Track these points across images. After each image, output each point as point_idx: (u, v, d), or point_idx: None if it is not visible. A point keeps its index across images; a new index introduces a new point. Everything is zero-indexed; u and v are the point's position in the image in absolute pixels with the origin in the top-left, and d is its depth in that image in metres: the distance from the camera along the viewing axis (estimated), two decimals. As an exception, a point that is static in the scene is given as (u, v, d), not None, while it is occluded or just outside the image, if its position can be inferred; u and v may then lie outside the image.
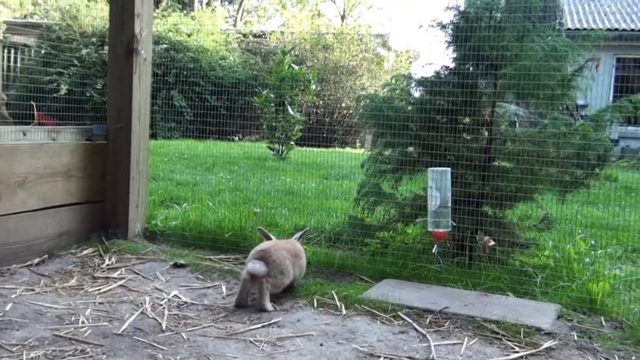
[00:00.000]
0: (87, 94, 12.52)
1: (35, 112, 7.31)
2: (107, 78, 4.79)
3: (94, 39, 13.99)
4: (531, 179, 4.10)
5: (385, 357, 2.93)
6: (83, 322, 3.17)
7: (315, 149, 9.17)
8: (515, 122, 4.76)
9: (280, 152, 10.45)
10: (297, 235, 4.14)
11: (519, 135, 4.27)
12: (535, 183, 4.12)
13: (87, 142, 4.62)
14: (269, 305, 3.50)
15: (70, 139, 4.53)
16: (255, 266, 3.48)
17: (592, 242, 4.53)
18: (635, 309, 3.58)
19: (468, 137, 4.37)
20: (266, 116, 10.87)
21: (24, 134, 4.22)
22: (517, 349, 3.08)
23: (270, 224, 5.06)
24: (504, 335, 3.22)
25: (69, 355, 2.78)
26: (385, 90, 4.75)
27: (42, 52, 12.52)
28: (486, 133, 4.37)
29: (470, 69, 4.38)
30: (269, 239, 4.03)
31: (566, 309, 3.60)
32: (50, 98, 10.00)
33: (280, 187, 6.84)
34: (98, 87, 12.72)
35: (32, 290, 3.61)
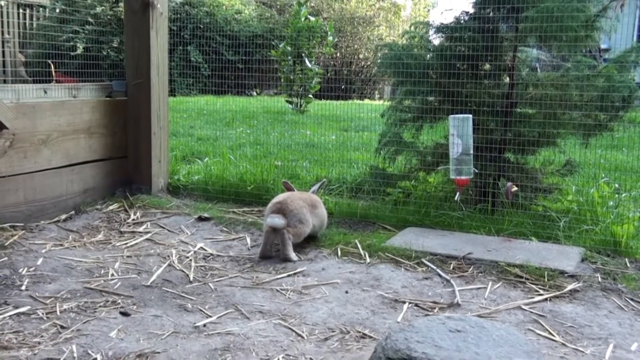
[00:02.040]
0: (104, 52, 12.49)
1: (53, 72, 7.33)
2: (123, 34, 4.77)
3: (108, -4, 13.88)
4: (554, 124, 4.05)
5: (410, 303, 2.97)
6: (112, 275, 3.23)
7: (333, 102, 9.12)
8: (537, 67, 4.70)
9: (299, 106, 10.41)
10: (315, 187, 4.15)
11: (541, 80, 4.21)
12: (557, 128, 4.08)
13: (107, 98, 4.64)
14: (292, 255, 3.55)
15: (90, 96, 4.55)
16: (274, 220, 3.54)
17: (616, 185, 4.50)
18: (660, 250, 3.58)
19: (489, 83, 4.32)
20: (284, 69, 10.79)
21: (45, 92, 4.24)
22: (541, 291, 3.09)
23: (292, 176, 5.08)
24: (527, 279, 3.24)
25: (100, 306, 2.84)
26: (404, 38, 4.69)
27: (57, 10, 12.47)
28: (508, 79, 4.31)
29: (491, 13, 4.29)
30: (293, 191, 4.05)
31: (590, 252, 3.61)
32: (68, 57, 9.99)
33: (300, 140, 6.84)
34: (114, 45, 12.68)
35: (61, 245, 3.68)
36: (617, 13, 4.07)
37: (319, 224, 3.86)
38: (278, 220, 3.54)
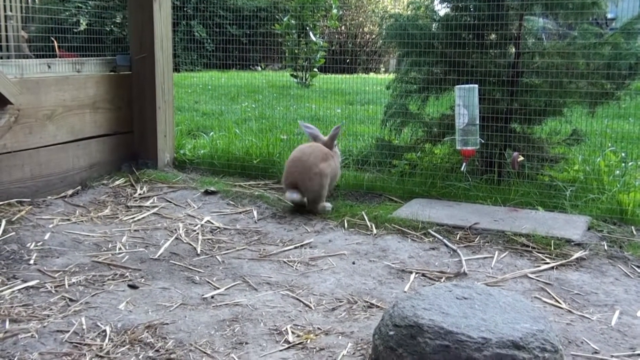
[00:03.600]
0: (107, 28, 12.45)
1: (57, 48, 7.30)
2: (127, 9, 4.74)
3: (110, -29, 13.78)
4: (560, 93, 4.03)
5: (417, 273, 2.98)
6: (120, 249, 3.25)
7: (339, 76, 9.07)
8: (543, 36, 4.65)
9: (304, 80, 10.36)
10: (331, 135, 4.10)
11: (547, 49, 4.17)
12: (564, 97, 4.05)
13: (111, 73, 4.62)
14: (324, 212, 3.88)
15: (95, 71, 4.54)
16: (293, 196, 3.82)
17: (623, 154, 4.48)
18: (666, 218, 3.58)
19: (495, 53, 4.28)
20: (288, 43, 10.73)
21: (49, 67, 4.22)
22: (547, 260, 3.10)
23: (297, 149, 5.06)
24: (534, 248, 3.24)
25: (108, 279, 2.86)
26: (409, 9, 4.65)
27: (60, -14, 12.40)
28: (513, 48, 4.27)
29: (497, -18, 4.25)
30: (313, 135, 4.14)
31: (596, 221, 3.60)
32: (71, 33, 9.95)
33: (305, 114, 6.82)
34: (117, 20, 12.62)
35: (69, 220, 3.69)
36: (625, -21, 4.03)
37: (332, 176, 3.97)
38: (296, 196, 3.81)
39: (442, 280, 2.90)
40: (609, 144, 4.62)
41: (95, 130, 4.45)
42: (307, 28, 10.66)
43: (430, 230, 3.51)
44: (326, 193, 3.91)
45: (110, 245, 3.30)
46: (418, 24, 4.38)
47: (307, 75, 10.36)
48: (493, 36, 4.30)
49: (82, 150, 4.34)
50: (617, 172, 4.08)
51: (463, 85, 3.95)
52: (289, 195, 3.83)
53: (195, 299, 2.68)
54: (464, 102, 3.92)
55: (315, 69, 10.46)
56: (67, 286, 2.76)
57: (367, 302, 2.67)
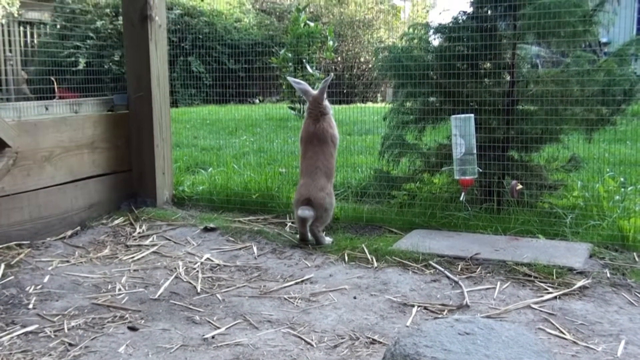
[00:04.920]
0: (106, 66, 12.54)
1: (56, 87, 7.36)
2: (123, 48, 4.78)
3: (107, 10, 13.93)
4: (556, 120, 4.04)
5: (419, 306, 2.95)
6: (120, 290, 3.23)
7: (336, 106, 9.10)
8: (538, 63, 4.68)
9: (301, 112, 10.40)
10: (321, 88, 4.09)
11: (541, 76, 4.19)
12: (560, 124, 4.06)
13: (109, 112, 4.65)
14: (324, 241, 3.94)
15: (92, 111, 4.56)
16: (304, 212, 3.86)
17: (622, 179, 4.47)
18: (668, 243, 3.56)
19: (490, 82, 4.30)
20: (285, 76, 10.80)
21: (47, 109, 4.25)
22: (550, 289, 3.08)
23: (296, 182, 5.06)
24: (536, 277, 3.22)
25: (108, 322, 2.84)
26: (403, 40, 4.68)
27: (58, 26, 12.53)
28: (508, 76, 4.30)
29: (489, 11, 4.29)
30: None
31: (598, 248, 3.59)
32: (70, 72, 10.04)
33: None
34: (116, 58, 12.72)
35: (68, 261, 3.68)
36: (615, 7, 4.06)
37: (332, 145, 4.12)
38: (308, 212, 3.85)
39: (444, 313, 2.88)
40: (608, 169, 4.62)
41: (94, 170, 4.46)
42: (304, 60, 10.74)
43: (431, 262, 3.49)
44: (329, 220, 4.01)
45: (109, 286, 3.28)
46: (412, 55, 4.42)
47: (305, 107, 10.41)
48: (487, 65, 4.33)
49: (80, 190, 4.34)
50: (617, 197, 4.07)
51: (459, 115, 3.97)
52: (301, 212, 3.84)
53: (195, 339, 2.65)
54: (461, 132, 3.93)
55: (313, 101, 10.50)
56: (66, 330, 2.74)
57: (369, 337, 2.64)
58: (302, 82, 4.21)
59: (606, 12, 4.06)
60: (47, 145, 4.09)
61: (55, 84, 7.54)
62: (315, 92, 4.11)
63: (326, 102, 4.15)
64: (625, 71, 3.94)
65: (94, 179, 4.46)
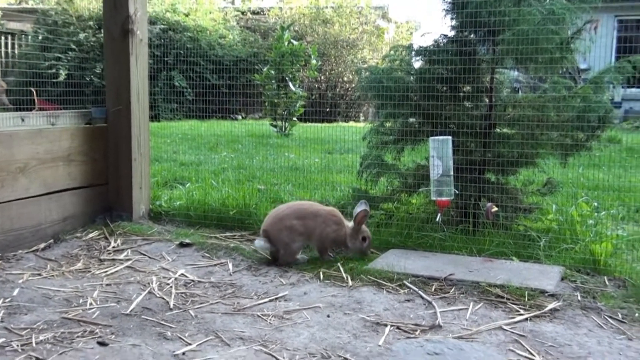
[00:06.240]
0: (87, 79, 12.49)
1: (36, 98, 7.31)
2: (104, 61, 4.77)
3: (90, 23, 13.92)
4: (533, 144, 4.09)
5: (392, 325, 2.95)
6: (91, 304, 3.19)
7: (318, 125, 9.15)
8: (517, 88, 4.74)
9: (283, 129, 10.43)
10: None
11: (519, 101, 4.25)
12: (537, 148, 4.11)
13: (87, 125, 4.63)
14: (294, 261, 3.88)
15: (69, 123, 4.54)
16: (260, 244, 3.85)
17: (596, 204, 4.52)
18: (638, 267, 3.60)
19: (469, 105, 4.35)
20: (268, 93, 10.84)
21: (23, 120, 4.22)
22: (521, 311, 3.09)
23: (274, 200, 5.07)
24: (508, 299, 3.24)
25: (78, 336, 2.80)
26: (385, 61, 4.73)
27: (40, 37, 12.49)
28: (487, 100, 4.35)
29: (469, 36, 4.34)
30: None
31: (570, 271, 3.62)
32: (50, 84, 9.98)
33: (284, 164, 6.85)
34: (97, 70, 12.69)
35: (39, 274, 3.63)
36: (592, 35, 4.13)
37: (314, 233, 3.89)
38: (262, 245, 3.84)
39: (416, 333, 2.88)
40: (583, 194, 4.67)
41: (69, 182, 4.42)
42: (287, 78, 10.79)
43: (405, 282, 3.49)
44: (297, 250, 3.90)
45: (81, 301, 3.24)
46: (393, 76, 4.45)
47: (287, 124, 10.44)
48: (467, 88, 4.37)
49: (55, 203, 4.30)
50: (590, 221, 4.11)
51: (437, 137, 4.00)
52: (257, 242, 3.85)
53: (166, 355, 2.63)
54: (438, 154, 3.96)
55: (295, 118, 10.55)
56: (34, 344, 2.70)
57: (341, 356, 2.63)
58: None
59: (583, 40, 4.12)
60: (22, 157, 4.06)
61: (35, 95, 7.49)
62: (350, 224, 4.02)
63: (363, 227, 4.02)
64: (601, 98, 4.00)
65: (69, 191, 4.43)
